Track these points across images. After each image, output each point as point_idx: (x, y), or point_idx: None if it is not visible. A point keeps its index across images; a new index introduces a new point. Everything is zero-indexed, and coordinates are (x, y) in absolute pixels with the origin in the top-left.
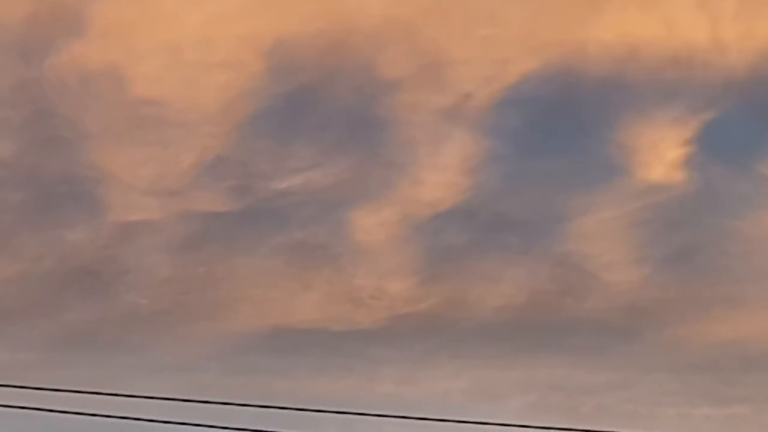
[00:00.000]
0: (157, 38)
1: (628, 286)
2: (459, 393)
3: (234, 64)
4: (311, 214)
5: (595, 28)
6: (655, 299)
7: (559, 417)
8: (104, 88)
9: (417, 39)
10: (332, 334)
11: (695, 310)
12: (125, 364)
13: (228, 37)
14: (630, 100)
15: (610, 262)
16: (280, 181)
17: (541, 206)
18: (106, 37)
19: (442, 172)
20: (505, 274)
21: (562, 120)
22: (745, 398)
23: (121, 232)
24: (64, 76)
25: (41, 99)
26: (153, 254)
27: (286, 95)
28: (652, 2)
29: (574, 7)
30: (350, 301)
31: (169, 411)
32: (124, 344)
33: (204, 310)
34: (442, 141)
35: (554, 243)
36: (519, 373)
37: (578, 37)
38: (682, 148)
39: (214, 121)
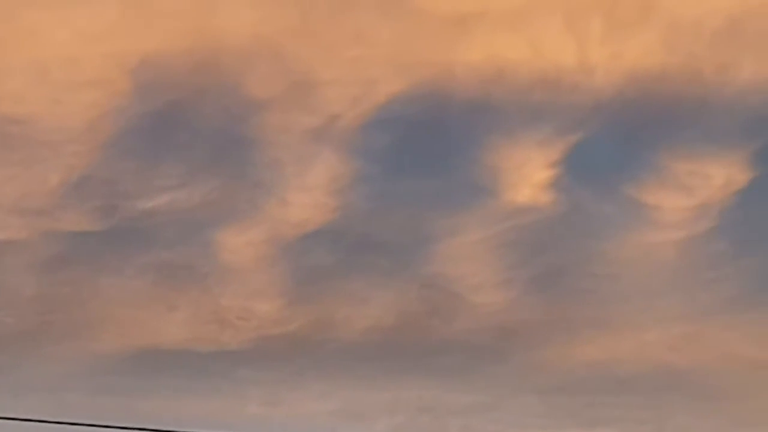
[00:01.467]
0: (23, 56)
1: (496, 307)
2: (326, 414)
3: (100, 82)
4: (178, 234)
5: (463, 49)
6: (523, 321)
7: None
8: None
9: (285, 59)
10: (199, 355)
11: (562, 331)
12: None
13: (94, 56)
14: (497, 122)
15: (478, 283)
16: (147, 201)
17: (408, 227)
18: None
19: (309, 192)
20: (373, 295)
21: (429, 141)
22: (612, 420)
23: None
24: None
25: None
26: (18, 273)
27: (153, 114)
28: (520, 24)
29: (441, 28)
30: (217, 322)
31: None
32: None
33: (70, 330)
34: (309, 161)
35: (422, 264)
36: (387, 394)
37: (446, 58)
38: (549, 169)
39: (80, 140)
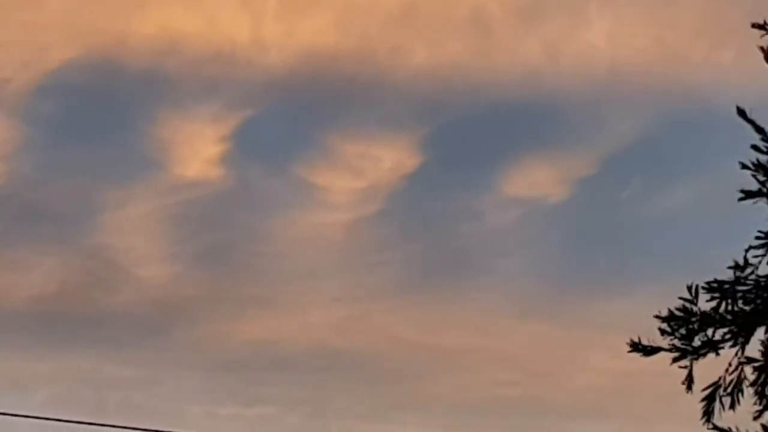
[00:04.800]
0: None
1: (160, 281)
2: None
3: None
4: None
5: (137, 20)
6: (187, 296)
7: (86, 410)
8: None
9: None
10: None
11: (226, 309)
12: None
13: None
14: (169, 94)
15: (143, 256)
16: None
17: (75, 197)
18: None
19: None
20: (37, 264)
21: (100, 111)
22: (272, 398)
23: None
24: None
25: None
26: None
27: None
28: None
29: None
30: None
31: None
32: None
33: None
34: None
35: (87, 235)
36: (47, 364)
37: (120, 28)
38: (219, 144)
39: None
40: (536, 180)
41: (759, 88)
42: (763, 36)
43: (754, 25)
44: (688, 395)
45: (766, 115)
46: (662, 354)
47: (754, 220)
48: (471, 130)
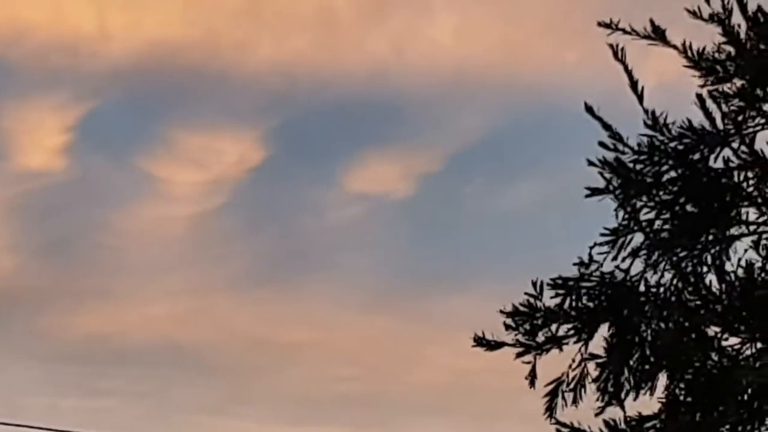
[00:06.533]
0: None
1: (0, 272)
2: None
3: None
4: None
5: None
6: (28, 287)
7: None
8: None
9: None
10: None
11: (68, 300)
12: None
13: None
14: (12, 84)
15: None
16: None
17: None
18: None
19: None
20: None
21: None
22: (114, 391)
23: None
24: None
25: None
26: None
27: None
28: None
29: None
30: None
31: None
32: None
33: None
34: None
35: None
36: None
37: None
38: (61, 135)
39: None
40: (381, 176)
41: (604, 87)
42: (609, 34)
43: (600, 24)
44: (531, 391)
45: (612, 113)
46: (505, 350)
47: (600, 218)
48: (316, 125)
